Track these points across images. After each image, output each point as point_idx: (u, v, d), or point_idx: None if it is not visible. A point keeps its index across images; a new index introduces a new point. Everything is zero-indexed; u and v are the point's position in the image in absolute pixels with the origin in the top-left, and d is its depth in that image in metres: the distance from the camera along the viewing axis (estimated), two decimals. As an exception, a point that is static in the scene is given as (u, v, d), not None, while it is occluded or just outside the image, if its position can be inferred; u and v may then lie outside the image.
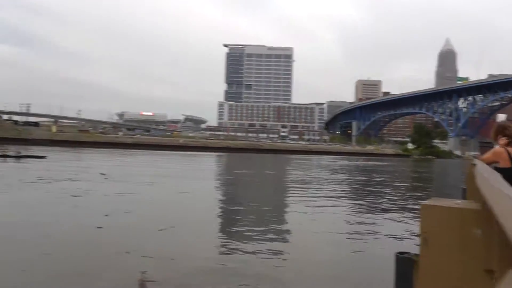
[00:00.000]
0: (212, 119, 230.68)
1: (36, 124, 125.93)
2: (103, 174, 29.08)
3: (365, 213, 18.68)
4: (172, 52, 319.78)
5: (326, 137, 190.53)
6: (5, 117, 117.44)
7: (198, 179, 29.78)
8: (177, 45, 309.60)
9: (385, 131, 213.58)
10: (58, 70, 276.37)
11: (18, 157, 40.49)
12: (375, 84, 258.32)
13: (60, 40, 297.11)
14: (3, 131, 76.01)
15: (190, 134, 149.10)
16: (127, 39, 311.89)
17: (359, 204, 21.67)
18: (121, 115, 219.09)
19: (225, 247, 11.89)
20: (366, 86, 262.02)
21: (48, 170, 30.38)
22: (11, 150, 43.31)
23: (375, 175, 42.64)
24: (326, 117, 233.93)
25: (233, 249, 11.68)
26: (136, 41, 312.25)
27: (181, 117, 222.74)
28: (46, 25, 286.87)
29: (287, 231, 14.65)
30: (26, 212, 15.56)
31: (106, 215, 15.33)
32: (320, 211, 18.43)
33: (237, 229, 14.56)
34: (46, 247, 11.13)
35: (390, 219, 17.06)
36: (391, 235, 13.84)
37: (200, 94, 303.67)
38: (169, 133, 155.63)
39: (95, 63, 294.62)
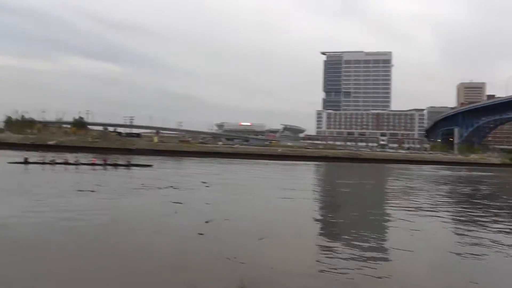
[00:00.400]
0: (310, 128, 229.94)
1: (138, 135, 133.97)
2: (204, 183, 30.00)
3: (473, 229, 17.39)
4: (271, 63, 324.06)
5: (426, 145, 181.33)
6: (110, 129, 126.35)
7: (296, 189, 29.59)
8: (275, 56, 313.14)
9: (489, 138, 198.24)
10: (161, 85, 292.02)
11: (127, 165, 43.46)
12: (479, 87, 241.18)
13: (163, 57, 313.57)
14: (109, 142, 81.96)
15: (289, 144, 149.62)
16: (227, 53, 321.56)
17: (464, 218, 20.26)
18: (220, 126, 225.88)
19: (323, 258, 11.67)
20: (469, 89, 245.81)
21: (155, 178, 31.97)
22: (121, 159, 46.14)
23: (481, 187, 39.81)
24: (426, 124, 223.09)
25: (332, 259, 11.45)
26: (235, 55, 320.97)
27: (280, 127, 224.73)
28: (150, 45, 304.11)
29: (387, 243, 14.08)
30: (130, 217, 16.48)
31: (207, 222, 15.76)
32: (425, 226, 17.51)
33: (336, 240, 14.26)
34: (149, 252, 11.70)
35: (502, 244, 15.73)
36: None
37: (299, 103, 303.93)
38: (267, 143, 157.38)
39: (196, 77, 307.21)
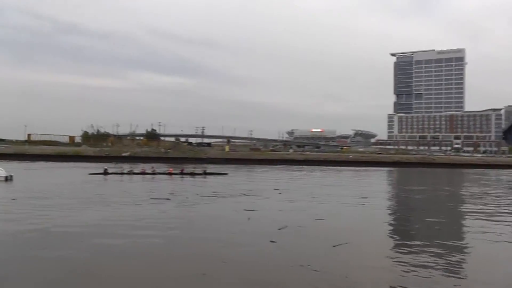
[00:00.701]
0: (381, 133, 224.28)
1: (208, 144, 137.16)
2: (277, 190, 29.93)
3: None
4: (340, 67, 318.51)
5: (504, 148, 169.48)
6: (182, 139, 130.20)
7: (369, 196, 28.74)
8: (343, 60, 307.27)
9: None
10: (230, 95, 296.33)
11: (204, 174, 44.34)
12: None
13: (231, 67, 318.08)
14: (181, 152, 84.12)
15: (360, 149, 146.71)
16: (295, 59, 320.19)
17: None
18: (291, 133, 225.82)
19: (400, 268, 11.07)
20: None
21: (227, 186, 32.32)
22: (198, 168, 47.10)
23: None
24: (504, 125, 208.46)
25: (408, 269, 10.84)
26: (303, 60, 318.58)
27: (351, 132, 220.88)
28: (218, 56, 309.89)
29: (469, 254, 13.20)
30: (202, 225, 16.64)
31: (280, 229, 15.60)
32: (507, 236, 16.36)
33: (412, 249, 13.41)
34: (223, 256, 11.73)
35: None
36: None
37: (369, 108, 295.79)
38: (339, 149, 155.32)
39: (265, 85, 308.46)
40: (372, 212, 20.98)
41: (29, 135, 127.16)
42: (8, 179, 33.59)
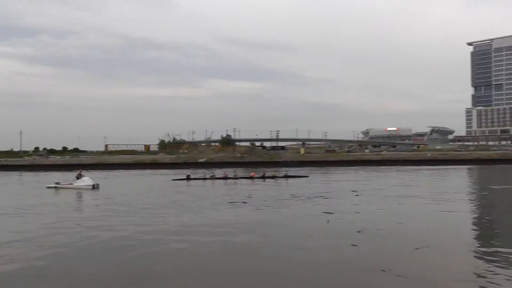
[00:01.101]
0: (459, 129, 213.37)
1: (283, 148, 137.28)
2: (354, 191, 29.48)
3: None
4: (413, 63, 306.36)
5: None
6: (257, 144, 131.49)
7: (450, 196, 27.42)
8: (416, 55, 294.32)
9: None
10: (302, 97, 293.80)
11: (285, 177, 44.39)
12: None
13: (302, 69, 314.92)
14: (257, 156, 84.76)
15: (437, 147, 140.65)
16: (365, 58, 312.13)
17: None
18: (366, 133, 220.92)
19: (488, 274, 10.49)
20: None
21: (305, 188, 32.25)
22: (279, 172, 47.44)
23: None
24: None
25: (494, 273, 10.27)
26: (374, 59, 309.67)
27: (427, 129, 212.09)
28: (287, 59, 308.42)
29: None
30: (280, 229, 16.72)
31: (359, 232, 15.37)
32: None
33: (500, 254, 12.63)
34: (302, 259, 11.76)
35: None
36: None
37: (446, 102, 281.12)
38: (415, 147, 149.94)
39: (337, 86, 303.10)
40: (453, 214, 19.99)
41: (106, 145, 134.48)
42: (95, 187, 35.54)
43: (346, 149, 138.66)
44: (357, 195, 27.55)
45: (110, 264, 11.84)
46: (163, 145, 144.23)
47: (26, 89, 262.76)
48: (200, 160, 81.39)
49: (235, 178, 43.70)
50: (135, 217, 19.69)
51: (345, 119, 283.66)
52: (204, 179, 43.65)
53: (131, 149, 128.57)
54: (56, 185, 36.34)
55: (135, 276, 10.56)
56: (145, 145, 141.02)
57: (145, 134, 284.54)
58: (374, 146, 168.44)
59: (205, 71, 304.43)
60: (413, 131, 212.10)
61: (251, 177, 44.16)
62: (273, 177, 44.26)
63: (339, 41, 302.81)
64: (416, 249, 12.61)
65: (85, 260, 12.23)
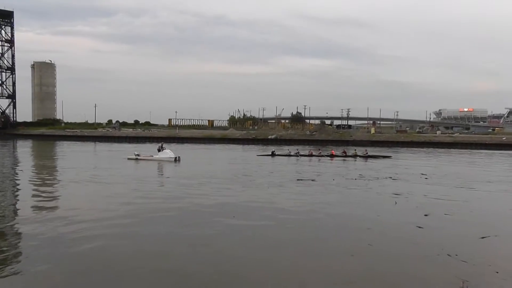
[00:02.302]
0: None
1: (349, 126, 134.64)
2: (423, 174, 28.83)
3: None
4: (494, 39, 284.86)
5: None
6: (327, 122, 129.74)
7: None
8: (498, 29, 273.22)
9: None
10: (374, 75, 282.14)
11: (366, 157, 43.77)
12: None
13: (375, 46, 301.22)
14: (326, 134, 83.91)
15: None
16: (442, 35, 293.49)
17: None
18: (438, 113, 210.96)
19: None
20: None
21: (375, 170, 31.98)
22: (359, 151, 47.11)
23: None
24: None
25: None
26: (452, 35, 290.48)
27: (504, 111, 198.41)
28: (360, 36, 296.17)
29: None
30: (349, 206, 16.94)
31: (426, 215, 15.27)
32: None
33: None
34: (369, 239, 12.03)
35: None
36: None
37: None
38: (490, 130, 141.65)
39: (412, 63, 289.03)
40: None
41: (169, 120, 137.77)
42: (177, 160, 36.54)
43: (417, 129, 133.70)
44: (426, 178, 26.95)
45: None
46: (233, 121, 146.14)
47: (102, 66, 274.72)
48: (270, 137, 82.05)
49: (320, 156, 43.84)
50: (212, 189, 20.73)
51: (418, 98, 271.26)
52: (289, 155, 44.00)
53: (193, 123, 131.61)
54: (137, 157, 37.63)
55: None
56: (208, 120, 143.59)
57: (215, 110, 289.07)
58: (446, 128, 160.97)
59: (277, 48, 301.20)
60: (489, 113, 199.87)
61: (331, 155, 44.16)
62: (354, 156, 43.97)
63: (417, 19, 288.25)
64: (483, 237, 12.38)
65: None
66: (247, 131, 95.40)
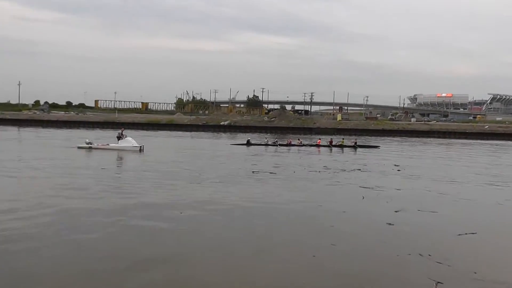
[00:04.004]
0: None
1: (306, 112, 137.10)
2: (397, 166, 29.53)
3: None
4: (475, 17, 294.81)
5: None
6: (288, 107, 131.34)
7: (507, 178, 27.06)
8: (477, 9, 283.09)
9: None
10: (342, 56, 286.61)
11: (354, 147, 45.35)
12: None
13: (343, 23, 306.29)
14: (287, 121, 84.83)
15: (498, 118, 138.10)
16: (418, 13, 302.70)
17: None
18: (413, 99, 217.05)
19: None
20: None
21: (341, 161, 32.45)
22: (349, 140, 48.18)
23: None
24: None
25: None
26: (428, 13, 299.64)
27: (487, 97, 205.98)
28: (328, 11, 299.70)
29: None
30: (309, 201, 17.08)
31: (396, 211, 15.58)
32: None
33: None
34: (332, 238, 12.10)
35: None
36: None
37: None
38: (471, 118, 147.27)
39: (384, 44, 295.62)
40: (509, 198, 19.97)
41: (96, 101, 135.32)
42: (141, 149, 35.94)
43: (389, 117, 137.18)
44: (399, 170, 27.61)
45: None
46: (181, 105, 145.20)
47: (28, 36, 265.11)
48: (222, 123, 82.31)
49: (300, 145, 45.25)
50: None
51: (391, 82, 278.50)
52: (266, 145, 45.30)
53: (125, 107, 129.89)
54: (90, 146, 36.51)
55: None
56: (142, 102, 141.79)
57: (161, 92, 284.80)
58: (422, 115, 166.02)
59: (234, 23, 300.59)
60: (470, 99, 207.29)
61: (317, 145, 45.74)
62: (341, 145, 45.74)
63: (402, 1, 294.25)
64: (460, 234, 12.74)
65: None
66: (196, 117, 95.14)
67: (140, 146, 36.12)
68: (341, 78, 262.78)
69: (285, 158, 34.44)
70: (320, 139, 49.10)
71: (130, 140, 37.14)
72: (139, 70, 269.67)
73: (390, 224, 13.68)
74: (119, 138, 37.68)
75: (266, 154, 37.66)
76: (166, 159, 30.75)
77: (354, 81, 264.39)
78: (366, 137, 68.16)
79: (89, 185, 19.17)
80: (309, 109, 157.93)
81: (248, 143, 45.23)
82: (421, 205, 16.79)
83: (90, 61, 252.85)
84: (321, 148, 44.32)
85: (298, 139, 48.66)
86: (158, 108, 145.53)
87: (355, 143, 46.49)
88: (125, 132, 40.08)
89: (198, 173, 23.77)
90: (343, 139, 48.76)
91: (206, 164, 28.43)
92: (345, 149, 44.32)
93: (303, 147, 44.32)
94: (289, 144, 45.24)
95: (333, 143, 46.20)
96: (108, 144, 37.32)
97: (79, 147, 36.35)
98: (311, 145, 45.81)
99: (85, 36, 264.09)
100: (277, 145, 44.61)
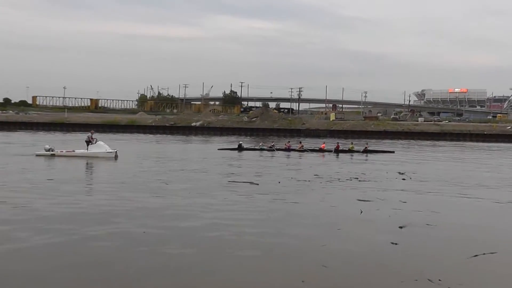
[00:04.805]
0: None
1: (289, 110, 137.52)
2: (401, 174, 29.72)
3: None
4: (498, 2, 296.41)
5: None
6: (272, 105, 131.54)
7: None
8: None
9: None
10: (334, 43, 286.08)
11: (365, 152, 45.87)
12: None
13: (337, 7, 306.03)
14: (271, 121, 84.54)
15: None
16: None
17: None
18: (421, 95, 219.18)
19: None
20: None
21: (336, 166, 32.59)
22: (358, 144, 49.05)
23: None
24: None
25: None
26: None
27: (509, 93, 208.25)
28: None
29: None
30: (297, 217, 17.11)
31: (401, 227, 15.70)
32: None
33: None
34: (324, 259, 12.18)
35: None
36: None
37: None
38: (490, 117, 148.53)
39: (387, 30, 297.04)
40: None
41: (34, 97, 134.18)
42: (116, 156, 36.07)
43: (392, 116, 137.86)
44: (404, 179, 27.84)
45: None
46: (144, 102, 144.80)
47: None
48: (194, 124, 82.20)
49: (301, 150, 45.51)
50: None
51: (394, 75, 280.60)
52: (261, 149, 46.14)
53: (64, 105, 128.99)
54: (52, 153, 36.04)
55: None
56: (91, 99, 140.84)
57: (119, 86, 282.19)
58: (432, 114, 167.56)
59: (207, 4, 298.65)
60: (489, 95, 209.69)
61: (321, 150, 46.11)
62: (350, 150, 46.23)
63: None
64: (474, 256, 12.83)
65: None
66: (162, 116, 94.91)
67: (115, 152, 36.13)
68: (335, 70, 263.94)
69: (276, 164, 34.91)
70: (324, 142, 49.09)
71: (103, 144, 37.01)
72: (94, 60, 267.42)
73: (393, 243, 13.78)
74: (88, 142, 37.36)
75: (258, 160, 38.29)
76: (142, 167, 30.87)
77: (350, 74, 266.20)
78: (365, 139, 68.12)
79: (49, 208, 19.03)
80: (297, 107, 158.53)
81: (240, 148, 45.90)
82: (430, 219, 16.97)
83: (32, 49, 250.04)
84: (326, 154, 44.60)
85: (300, 143, 48.66)
86: (116, 106, 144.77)
87: (366, 148, 47.07)
88: (95, 135, 39.47)
89: (166, 183, 23.88)
90: (352, 143, 48.78)
91: (181, 173, 28.67)
92: (355, 154, 44.66)
93: (305, 153, 44.51)
94: (288, 149, 45.70)
95: (340, 148, 46.43)
96: (73, 151, 37.08)
97: (37, 155, 35.82)
98: (314, 150, 46.05)
99: (25, 19, 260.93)
100: (274, 150, 45.20)
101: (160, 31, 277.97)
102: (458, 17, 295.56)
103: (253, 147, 47.80)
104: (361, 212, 18.06)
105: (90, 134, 38.57)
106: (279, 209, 18.70)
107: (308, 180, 26.47)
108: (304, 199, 21.19)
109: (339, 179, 27.28)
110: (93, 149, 36.49)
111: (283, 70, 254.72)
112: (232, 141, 51.80)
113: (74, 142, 41.63)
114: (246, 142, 51.10)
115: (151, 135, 70.67)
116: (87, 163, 32.99)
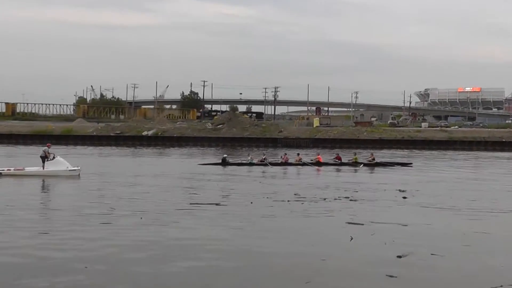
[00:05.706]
0: None
1: (259, 115, 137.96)
2: (402, 191, 29.86)
3: None
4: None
5: None
6: (242, 108, 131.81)
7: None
8: None
9: None
10: (319, 34, 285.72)
11: (372, 165, 46.36)
12: None
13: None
14: (241, 128, 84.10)
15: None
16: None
17: None
18: (424, 96, 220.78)
19: None
20: None
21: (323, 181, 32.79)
22: (363, 156, 49.63)
23: None
24: None
25: None
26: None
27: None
28: None
29: None
30: (275, 246, 17.22)
31: (400, 257, 15.85)
32: None
33: None
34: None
35: None
36: None
37: None
38: (508, 121, 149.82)
39: (384, 18, 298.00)
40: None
41: None
42: (79, 174, 36.17)
43: (389, 121, 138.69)
44: (404, 198, 28.09)
45: None
46: (83, 104, 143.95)
47: None
48: (145, 133, 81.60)
49: (300, 164, 46.08)
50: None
51: (392, 71, 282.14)
52: (250, 164, 46.03)
53: None
54: (1, 172, 35.86)
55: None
56: (6, 103, 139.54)
57: (53, 86, 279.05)
58: (438, 118, 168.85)
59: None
60: (507, 94, 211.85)
61: (317, 163, 46.40)
62: (354, 163, 46.80)
63: None
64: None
65: None
66: (106, 124, 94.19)
67: (79, 170, 36.26)
68: (319, 66, 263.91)
69: (256, 181, 35.48)
70: (319, 154, 49.04)
71: (62, 161, 37.07)
72: (20, 54, 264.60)
73: (390, 276, 13.90)
74: (44, 158, 37.04)
75: (241, 176, 38.88)
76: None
77: (338, 70, 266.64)
78: (357, 150, 68.35)
79: None
80: (273, 111, 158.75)
81: (224, 162, 46.24)
82: (434, 247, 17.07)
83: None
84: (322, 167, 44.93)
85: (298, 155, 48.93)
86: (48, 112, 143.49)
87: (372, 158, 47.50)
88: (51, 149, 39.04)
89: (112, 208, 23.86)
90: (356, 154, 48.83)
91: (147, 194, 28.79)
92: (363, 167, 45.17)
93: (304, 166, 44.97)
94: (285, 163, 46.09)
95: (342, 160, 47.04)
96: (23, 169, 37.01)
97: None
98: (313, 164, 46.05)
99: None
100: (266, 164, 45.26)
101: (105, 18, 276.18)
102: (469, 2, 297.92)
103: (240, 162, 47.89)
104: (351, 239, 18.19)
105: (46, 148, 38.24)
106: (254, 235, 18.81)
107: (288, 200, 26.54)
108: (280, 223, 21.31)
109: (325, 198, 27.36)
110: (50, 166, 36.31)
111: (256, 66, 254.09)
112: (193, 153, 51.57)
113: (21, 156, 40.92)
114: (210, 154, 50.89)
115: (91, 147, 69.62)
116: (42, 185, 33.01)
